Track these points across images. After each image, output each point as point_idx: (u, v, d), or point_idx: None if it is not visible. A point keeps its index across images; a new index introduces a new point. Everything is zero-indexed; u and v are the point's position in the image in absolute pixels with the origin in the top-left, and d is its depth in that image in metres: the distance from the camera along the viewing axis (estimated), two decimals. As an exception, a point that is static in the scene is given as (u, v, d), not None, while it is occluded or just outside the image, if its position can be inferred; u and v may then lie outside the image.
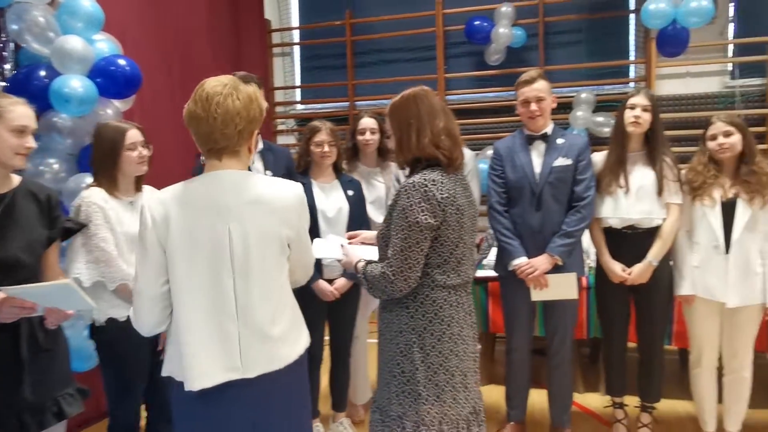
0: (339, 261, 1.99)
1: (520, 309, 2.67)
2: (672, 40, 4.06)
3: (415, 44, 4.99)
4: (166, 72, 3.76)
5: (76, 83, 2.59)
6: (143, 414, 2.29)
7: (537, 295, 2.56)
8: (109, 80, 2.75)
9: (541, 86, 2.53)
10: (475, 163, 2.65)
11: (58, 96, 2.56)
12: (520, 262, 2.53)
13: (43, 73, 2.63)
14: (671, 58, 4.26)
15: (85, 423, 2.95)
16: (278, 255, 1.50)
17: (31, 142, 1.74)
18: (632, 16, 4.63)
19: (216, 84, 1.45)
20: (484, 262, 3.31)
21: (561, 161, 2.53)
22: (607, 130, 4.15)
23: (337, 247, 1.99)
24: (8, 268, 1.69)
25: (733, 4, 4.31)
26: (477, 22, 4.62)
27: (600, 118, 4.37)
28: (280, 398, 1.51)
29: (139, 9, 3.53)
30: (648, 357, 2.70)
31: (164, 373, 1.51)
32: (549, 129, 2.59)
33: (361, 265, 1.81)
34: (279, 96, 5.36)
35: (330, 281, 2.62)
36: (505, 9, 4.52)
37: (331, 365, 2.84)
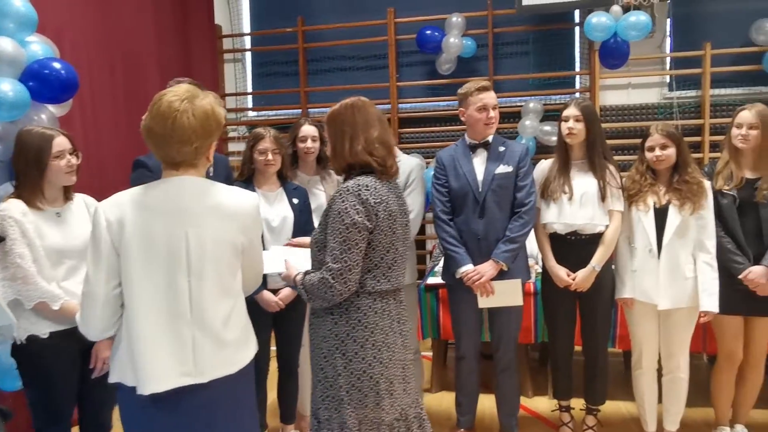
0: (280, 275, 1.98)
1: (468, 316, 2.69)
2: (613, 53, 4.23)
3: (368, 52, 5.00)
4: (108, 76, 3.64)
5: (6, 87, 2.44)
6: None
7: (484, 303, 2.59)
8: (42, 84, 2.61)
9: (494, 94, 2.59)
10: (420, 172, 2.65)
11: (-14, 100, 2.43)
12: (467, 269, 2.55)
13: (-30, 76, 2.50)
14: (613, 70, 4.42)
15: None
16: (233, 261, 1.53)
17: None
18: (577, 29, 4.78)
19: (173, 99, 1.45)
20: (436, 269, 3.33)
21: (502, 168, 2.58)
22: (554, 139, 4.21)
23: (280, 260, 1.98)
24: None
25: (669, 19, 4.51)
26: (428, 32, 4.68)
27: (547, 127, 4.48)
28: (231, 404, 1.53)
29: (79, 10, 3.39)
30: (593, 360, 2.76)
31: (112, 379, 1.50)
32: (490, 137, 2.63)
33: (299, 278, 1.81)
34: (230, 102, 5.27)
35: (274, 291, 2.56)
36: (456, 19, 4.60)
37: (279, 377, 2.78)
